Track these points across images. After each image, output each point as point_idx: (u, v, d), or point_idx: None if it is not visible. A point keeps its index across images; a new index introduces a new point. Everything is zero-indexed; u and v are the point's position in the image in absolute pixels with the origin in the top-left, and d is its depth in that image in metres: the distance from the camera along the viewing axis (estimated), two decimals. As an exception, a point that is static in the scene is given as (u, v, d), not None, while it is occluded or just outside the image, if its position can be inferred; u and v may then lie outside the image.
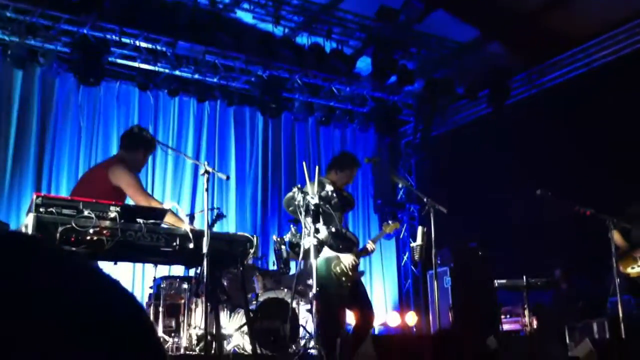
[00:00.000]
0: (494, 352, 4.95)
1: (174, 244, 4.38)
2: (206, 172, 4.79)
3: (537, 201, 6.68)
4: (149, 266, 6.97)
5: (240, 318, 6.19)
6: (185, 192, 9.03)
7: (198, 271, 5.34)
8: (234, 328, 6.17)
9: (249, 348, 5.72)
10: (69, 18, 7.74)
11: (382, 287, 10.51)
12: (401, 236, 11.02)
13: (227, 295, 6.12)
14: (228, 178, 5.42)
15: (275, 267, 6.61)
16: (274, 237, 6.69)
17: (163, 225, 4.43)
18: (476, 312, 7.31)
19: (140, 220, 4.22)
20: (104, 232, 4.01)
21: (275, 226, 9.37)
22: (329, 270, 5.78)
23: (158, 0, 7.62)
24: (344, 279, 5.78)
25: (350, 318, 6.38)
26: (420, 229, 6.99)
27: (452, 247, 8.21)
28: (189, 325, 5.90)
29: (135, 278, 8.25)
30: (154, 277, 6.45)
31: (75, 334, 0.66)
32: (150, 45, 8.39)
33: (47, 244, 0.76)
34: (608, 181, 7.86)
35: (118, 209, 4.15)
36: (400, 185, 9.75)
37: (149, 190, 8.73)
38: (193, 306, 6.02)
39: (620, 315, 6.18)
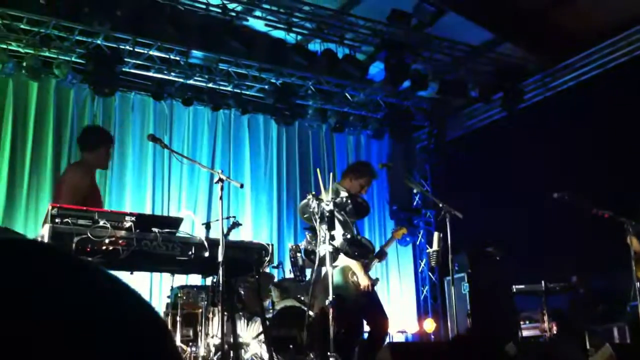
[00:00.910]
0: (513, 359, 4.90)
1: (190, 252, 4.38)
2: (220, 180, 4.79)
3: (554, 204, 6.62)
4: (166, 276, 6.97)
5: (257, 326, 6.18)
6: (200, 201, 9.04)
7: (214, 280, 5.33)
8: (251, 336, 6.15)
9: (266, 357, 5.70)
10: (83, 29, 7.79)
11: (399, 294, 10.46)
12: (418, 242, 10.97)
13: (244, 304, 6.10)
14: (242, 186, 5.41)
15: (291, 275, 6.59)
16: (290, 245, 6.69)
17: (178, 234, 4.43)
18: (494, 318, 7.25)
19: (155, 230, 4.22)
20: (120, 241, 4.02)
21: (291, 234, 9.36)
22: (346, 279, 5.78)
23: (170, 8, 7.65)
24: (360, 287, 5.78)
25: (366, 326, 6.36)
26: (436, 235, 6.94)
27: (468, 252, 8.16)
28: (207, 334, 5.89)
29: (153, 288, 8.26)
30: (171, 287, 6.45)
31: (93, 337, 0.65)
32: (163, 55, 8.43)
33: (63, 251, 0.75)
34: (624, 184, 7.78)
35: (133, 218, 4.16)
36: (415, 191, 9.72)
37: (165, 199, 8.77)
38: (210, 315, 6.01)
39: (641, 319, 6.10)
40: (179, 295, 6.25)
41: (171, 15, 7.66)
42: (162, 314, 6.24)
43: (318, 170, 5.66)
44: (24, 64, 7.83)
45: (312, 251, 5.52)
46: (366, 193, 6.24)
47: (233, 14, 8.09)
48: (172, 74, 8.66)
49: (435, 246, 6.97)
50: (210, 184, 8.89)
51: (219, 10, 7.96)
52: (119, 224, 4.09)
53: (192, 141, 9.25)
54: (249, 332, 6.18)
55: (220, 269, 4.39)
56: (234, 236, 6.17)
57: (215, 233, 4.97)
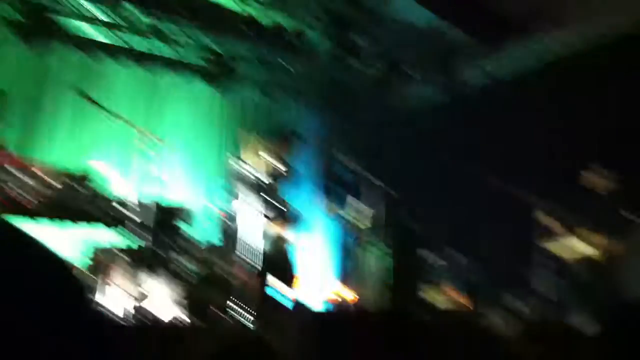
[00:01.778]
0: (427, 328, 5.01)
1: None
2: (145, 139, 4.70)
3: (487, 192, 6.76)
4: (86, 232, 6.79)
5: (180, 289, 6.11)
6: (130, 162, 8.77)
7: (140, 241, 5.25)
8: (173, 299, 6.08)
9: (186, 319, 5.67)
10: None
11: (322, 263, 10.54)
12: (344, 213, 11.05)
13: (167, 263, 6.01)
14: (167, 145, 5.31)
15: (214, 241, 6.54)
16: (214, 210, 6.61)
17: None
18: (414, 289, 7.42)
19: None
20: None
21: (216, 199, 9.22)
22: (273, 245, 5.73)
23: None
24: (281, 254, 5.77)
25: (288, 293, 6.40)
26: (363, 208, 7.02)
27: (394, 226, 8.27)
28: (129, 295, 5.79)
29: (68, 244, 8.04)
30: (90, 244, 6.30)
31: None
32: (94, 8, 8.15)
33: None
34: (560, 177, 7.97)
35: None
36: (347, 164, 9.73)
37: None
38: (133, 276, 5.91)
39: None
40: (97, 252, 6.10)
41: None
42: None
43: (247, 135, 5.60)
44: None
45: (235, 217, 5.49)
46: (292, 155, 6.19)
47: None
48: (105, 28, 8.40)
49: (362, 218, 7.06)
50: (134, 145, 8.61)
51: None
52: None
53: (122, 99, 8.97)
54: (171, 295, 6.11)
55: (146, 230, 4.32)
56: (160, 199, 6.06)
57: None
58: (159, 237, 5.32)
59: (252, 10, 8.48)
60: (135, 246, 5.43)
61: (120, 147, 8.78)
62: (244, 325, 5.07)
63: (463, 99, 9.70)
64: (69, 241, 7.97)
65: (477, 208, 8.71)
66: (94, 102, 5.36)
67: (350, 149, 11.08)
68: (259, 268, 5.04)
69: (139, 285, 5.18)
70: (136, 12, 8.33)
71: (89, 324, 0.75)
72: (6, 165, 3.93)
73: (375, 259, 6.86)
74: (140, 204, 4.26)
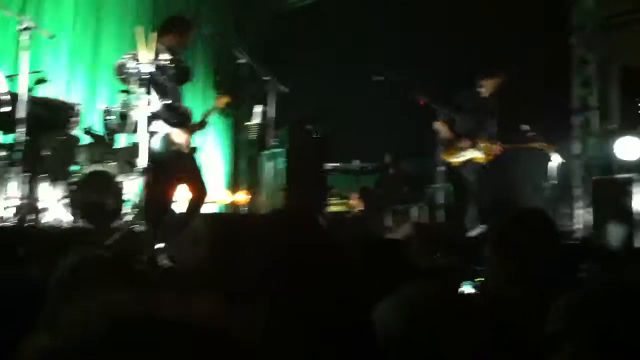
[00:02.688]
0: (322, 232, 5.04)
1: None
2: (27, 28, 4.30)
3: (377, 86, 6.75)
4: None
5: (61, 190, 5.81)
6: (6, 51, 8.09)
7: (16, 138, 4.87)
8: (54, 200, 5.79)
9: (69, 220, 5.43)
10: None
11: (215, 165, 10.39)
12: (239, 114, 10.84)
13: (48, 165, 5.67)
14: (52, 37, 4.90)
15: (102, 139, 6.22)
16: (102, 107, 6.26)
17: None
18: (307, 194, 7.43)
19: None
20: None
21: (104, 95, 8.73)
22: (165, 146, 5.46)
23: None
24: (178, 154, 5.54)
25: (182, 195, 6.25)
26: (257, 108, 6.86)
27: (288, 128, 8.18)
28: (4, 196, 5.45)
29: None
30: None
31: None
32: None
33: None
34: (442, 69, 8.08)
35: None
36: (242, 61, 9.47)
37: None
38: (8, 175, 5.54)
39: (441, 201, 6.56)
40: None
41: None
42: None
43: (140, 27, 5.23)
44: None
45: (126, 115, 5.22)
46: (188, 48, 5.87)
47: None
48: None
49: (256, 119, 6.91)
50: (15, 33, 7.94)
51: None
52: None
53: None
54: (52, 196, 5.80)
55: (22, 126, 4.00)
56: (41, 93, 5.65)
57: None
58: (39, 133, 5.00)
59: None
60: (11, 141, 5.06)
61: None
62: (131, 226, 4.90)
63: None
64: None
65: (376, 110, 8.76)
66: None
67: (246, 47, 10.76)
68: (147, 166, 4.83)
69: (16, 186, 4.87)
70: None
71: None
72: None
73: (268, 159, 6.78)
74: (20, 99, 3.92)
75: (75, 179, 5.75)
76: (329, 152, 8.07)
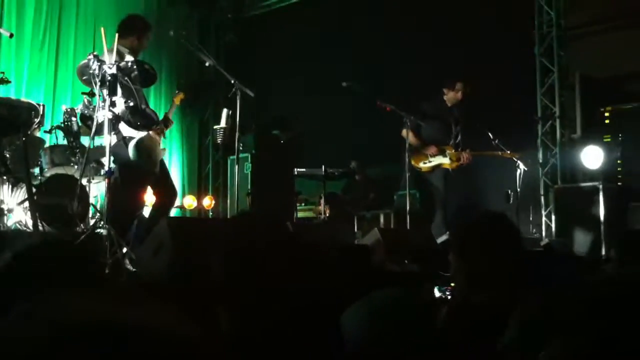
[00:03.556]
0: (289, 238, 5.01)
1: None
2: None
3: (345, 93, 6.76)
4: None
5: (22, 193, 5.68)
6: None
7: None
8: (16, 203, 5.66)
9: (30, 224, 5.30)
10: None
11: (180, 169, 10.29)
12: (205, 118, 10.75)
13: (7, 168, 5.54)
14: (12, 35, 4.79)
15: (64, 141, 6.09)
16: (64, 108, 6.14)
17: None
18: (274, 199, 7.40)
19: None
20: None
21: (67, 97, 8.57)
22: (139, 150, 5.32)
23: None
24: (151, 158, 5.42)
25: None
26: (225, 112, 6.81)
27: (255, 133, 8.14)
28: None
29: None
30: None
31: None
32: None
33: None
34: (407, 79, 8.14)
35: None
36: (207, 64, 9.46)
37: None
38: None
39: (407, 207, 6.58)
40: None
41: None
42: None
43: (102, 29, 5.15)
44: None
45: (89, 117, 5.11)
46: (146, 48, 5.79)
47: None
48: None
49: (222, 123, 6.85)
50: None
51: None
52: None
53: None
54: (13, 198, 5.67)
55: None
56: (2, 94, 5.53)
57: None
58: (4, 136, 4.89)
59: None
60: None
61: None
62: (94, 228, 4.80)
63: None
64: None
65: (343, 116, 8.78)
66: None
67: (212, 50, 10.69)
68: (112, 169, 4.74)
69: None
70: None
71: None
72: None
73: (235, 164, 6.73)
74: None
75: (37, 182, 5.63)
76: (296, 158, 8.05)
